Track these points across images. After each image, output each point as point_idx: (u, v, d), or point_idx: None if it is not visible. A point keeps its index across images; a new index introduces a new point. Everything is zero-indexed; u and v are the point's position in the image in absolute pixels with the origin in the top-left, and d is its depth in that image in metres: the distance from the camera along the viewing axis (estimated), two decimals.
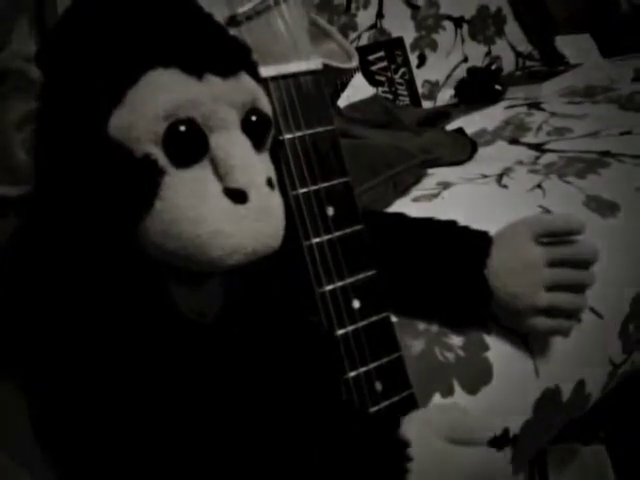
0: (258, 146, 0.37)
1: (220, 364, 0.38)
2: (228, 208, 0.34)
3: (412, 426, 0.38)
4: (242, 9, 0.43)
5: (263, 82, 0.42)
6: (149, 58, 0.34)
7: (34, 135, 0.35)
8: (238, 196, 0.34)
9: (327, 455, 0.36)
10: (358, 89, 1.09)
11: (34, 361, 0.36)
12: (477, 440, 0.39)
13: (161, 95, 0.33)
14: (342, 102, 1.06)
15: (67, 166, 0.34)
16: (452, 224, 0.52)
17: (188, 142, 0.34)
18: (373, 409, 0.44)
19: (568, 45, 1.41)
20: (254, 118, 0.37)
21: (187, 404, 0.36)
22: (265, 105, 0.38)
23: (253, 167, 0.35)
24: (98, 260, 0.36)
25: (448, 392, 0.52)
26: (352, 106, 1.05)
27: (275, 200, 0.36)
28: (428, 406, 0.41)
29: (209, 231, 0.34)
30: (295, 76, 0.44)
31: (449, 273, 0.50)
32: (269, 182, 0.36)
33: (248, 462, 0.36)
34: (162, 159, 0.33)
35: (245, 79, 0.37)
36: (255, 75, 0.39)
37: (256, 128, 0.37)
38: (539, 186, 0.73)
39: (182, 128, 0.34)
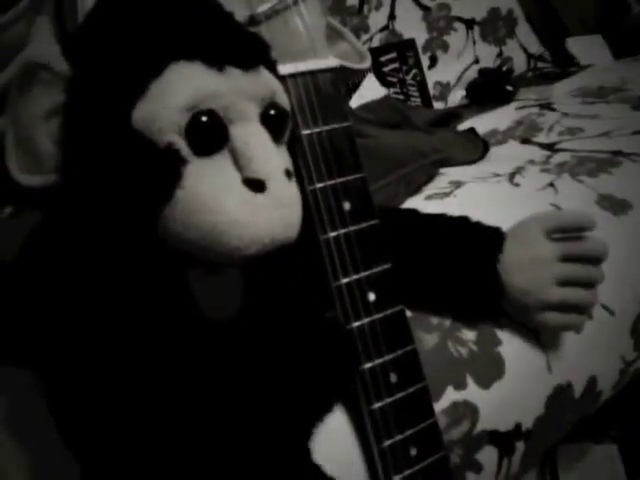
0: (276, 139, 0.38)
1: (236, 362, 0.39)
2: (247, 197, 0.35)
3: None
4: (261, 9, 0.44)
5: (281, 79, 0.43)
6: (173, 51, 0.35)
7: (61, 127, 0.36)
8: (257, 185, 0.35)
9: None
10: (370, 90, 1.09)
11: (53, 353, 0.37)
12: None
13: (184, 87, 0.34)
14: (354, 103, 1.07)
15: (92, 157, 0.35)
16: (465, 220, 0.53)
17: (209, 132, 0.35)
18: (389, 400, 0.45)
19: (579, 46, 1.41)
20: (273, 112, 0.38)
21: (202, 399, 0.37)
22: (284, 100, 0.39)
23: (271, 158, 0.36)
24: (120, 252, 0.37)
25: (461, 386, 0.52)
26: (364, 107, 1.06)
27: (293, 190, 0.37)
28: None
29: (228, 221, 0.34)
30: (312, 74, 0.45)
31: (462, 268, 0.51)
32: (287, 173, 0.37)
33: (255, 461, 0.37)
34: (184, 149, 0.34)
35: (264, 74, 0.38)
36: (274, 71, 0.40)
37: (275, 122, 0.38)
38: (551, 185, 0.74)
39: (204, 119, 0.34)
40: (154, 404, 0.36)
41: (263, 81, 0.38)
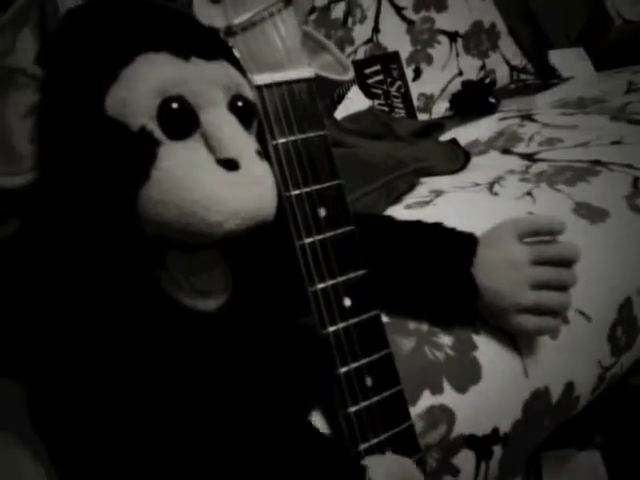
0: (246, 127, 0.40)
1: (213, 355, 0.39)
2: (222, 175, 0.36)
3: (377, 472, 0.42)
4: (238, 20, 0.45)
5: (258, 89, 0.44)
6: (140, 44, 0.37)
7: (37, 124, 0.37)
8: (230, 164, 0.37)
9: None
10: (354, 101, 1.11)
11: (31, 351, 0.37)
12: None
13: (153, 73, 0.36)
14: (339, 114, 1.09)
15: (69, 147, 0.37)
16: (439, 226, 0.54)
17: (180, 117, 0.37)
18: (364, 404, 0.45)
19: (561, 58, 1.44)
20: (240, 103, 0.40)
21: (181, 392, 0.37)
22: (249, 93, 0.41)
23: (242, 139, 0.38)
24: (99, 245, 0.38)
25: (437, 390, 0.53)
26: (349, 118, 1.08)
27: (266, 168, 0.39)
28: (385, 456, 0.45)
29: (205, 196, 0.36)
30: (288, 84, 0.46)
31: (437, 272, 0.52)
32: (258, 153, 0.38)
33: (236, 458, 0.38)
34: (157, 131, 0.36)
35: (227, 66, 0.40)
36: (238, 68, 0.42)
37: (242, 112, 0.40)
38: (529, 194, 0.75)
39: (174, 105, 0.36)
40: (133, 397, 0.37)
41: (226, 71, 0.40)
